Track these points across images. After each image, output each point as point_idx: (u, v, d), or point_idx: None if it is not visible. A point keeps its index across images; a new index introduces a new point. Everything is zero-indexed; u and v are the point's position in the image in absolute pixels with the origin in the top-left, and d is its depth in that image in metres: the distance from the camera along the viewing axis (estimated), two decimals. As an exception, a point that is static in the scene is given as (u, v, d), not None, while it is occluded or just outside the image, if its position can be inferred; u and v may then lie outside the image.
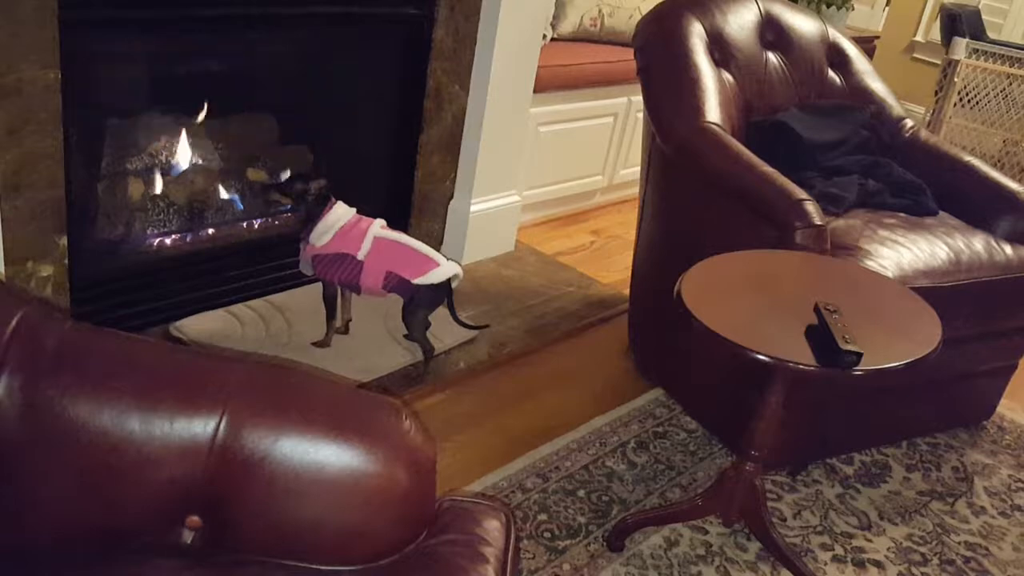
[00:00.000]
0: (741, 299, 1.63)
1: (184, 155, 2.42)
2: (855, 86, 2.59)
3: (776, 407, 1.66)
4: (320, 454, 0.99)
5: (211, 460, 0.98)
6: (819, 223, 1.88)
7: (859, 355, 1.42)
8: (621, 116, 3.43)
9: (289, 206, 2.16)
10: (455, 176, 2.85)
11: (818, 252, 1.87)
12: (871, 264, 1.98)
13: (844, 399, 2.10)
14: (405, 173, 2.73)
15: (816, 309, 1.52)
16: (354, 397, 1.07)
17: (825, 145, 2.35)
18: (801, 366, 1.43)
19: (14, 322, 0.98)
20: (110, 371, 0.98)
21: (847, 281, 1.77)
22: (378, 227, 2.17)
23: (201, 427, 0.98)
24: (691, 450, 2.19)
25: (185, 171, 2.43)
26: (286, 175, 2.21)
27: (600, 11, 3.39)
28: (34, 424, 0.95)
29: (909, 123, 2.57)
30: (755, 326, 1.53)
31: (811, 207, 1.90)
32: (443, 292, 2.19)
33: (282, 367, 1.07)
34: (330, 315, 2.25)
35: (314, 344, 2.28)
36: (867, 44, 4.54)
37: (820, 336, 1.48)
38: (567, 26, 3.35)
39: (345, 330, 2.34)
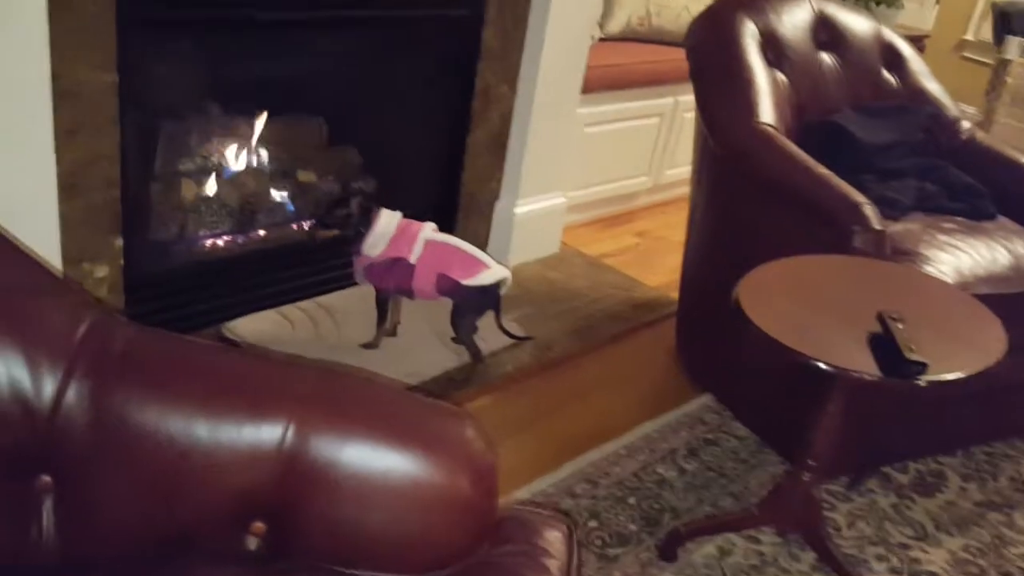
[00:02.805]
0: (800, 305, 1.60)
1: (237, 156, 2.43)
2: (911, 87, 2.54)
3: (835, 416, 1.63)
4: (384, 461, 0.98)
5: (278, 467, 0.97)
6: (878, 227, 1.85)
7: (924, 365, 1.39)
8: (668, 116, 3.39)
9: (339, 233, 2.14)
10: (501, 177, 2.84)
11: (877, 257, 1.84)
12: (930, 270, 1.94)
13: (900, 406, 2.06)
14: (452, 174, 2.72)
15: (879, 317, 1.49)
16: (418, 404, 1.06)
17: (881, 147, 2.30)
18: (864, 376, 1.40)
19: (84, 327, 0.98)
20: (178, 377, 0.98)
21: (907, 287, 1.73)
22: (429, 231, 2.17)
23: (268, 434, 0.97)
24: (742, 457, 2.16)
25: (237, 172, 2.44)
26: (323, 208, 2.19)
27: (648, 10, 3.36)
28: (103, 430, 0.95)
29: (966, 125, 2.52)
30: (816, 333, 1.50)
31: (869, 211, 1.86)
32: (492, 297, 2.19)
33: (346, 374, 1.07)
34: (381, 318, 2.26)
35: (363, 346, 2.28)
36: (917, 43, 4.45)
37: (883, 345, 1.45)
38: (614, 25, 3.33)
39: (393, 332, 2.34)
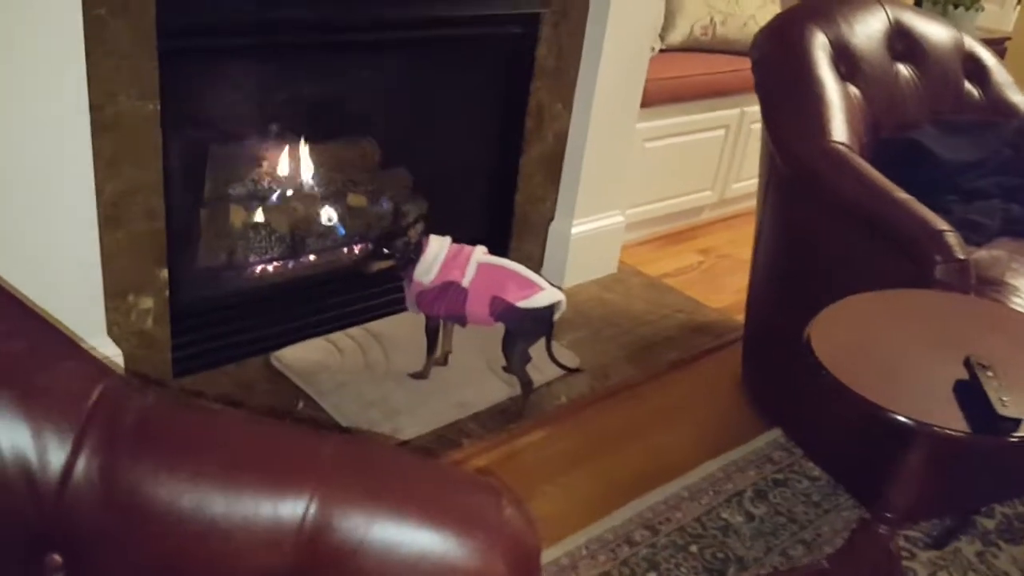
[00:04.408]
0: (878, 348, 1.47)
1: (285, 181, 2.38)
2: (994, 99, 2.37)
3: (915, 468, 1.49)
4: (416, 545, 0.89)
5: (299, 548, 0.89)
6: (962, 257, 1.70)
7: (1018, 421, 1.25)
8: (733, 128, 3.26)
9: (394, 263, 2.05)
10: (556, 197, 2.74)
11: (960, 290, 1.69)
12: (1018, 301, 1.79)
13: (988, 454, 1.90)
14: (505, 194, 2.64)
15: (967, 364, 1.36)
16: (451, 478, 0.97)
17: (963, 165, 2.15)
18: (949, 431, 1.26)
19: (95, 396, 0.92)
20: (193, 451, 0.91)
21: (996, 326, 1.58)
22: (481, 253, 2.08)
23: (289, 511, 0.89)
24: (815, 501, 2.02)
25: (286, 198, 2.39)
26: (380, 239, 2.08)
27: (712, 19, 3.23)
28: (113, 508, 0.88)
29: (1056, 139, 2.33)
30: (895, 381, 1.37)
31: (952, 239, 1.72)
32: (544, 323, 2.09)
33: (372, 442, 0.98)
34: (431, 347, 2.18)
35: (412, 375, 2.21)
36: (998, 46, 4.23)
37: (971, 396, 1.31)
38: (676, 36, 3.21)
39: (444, 361, 2.26)
